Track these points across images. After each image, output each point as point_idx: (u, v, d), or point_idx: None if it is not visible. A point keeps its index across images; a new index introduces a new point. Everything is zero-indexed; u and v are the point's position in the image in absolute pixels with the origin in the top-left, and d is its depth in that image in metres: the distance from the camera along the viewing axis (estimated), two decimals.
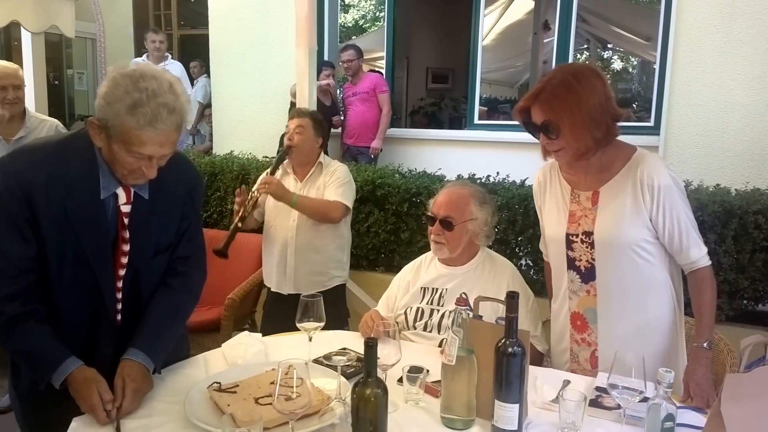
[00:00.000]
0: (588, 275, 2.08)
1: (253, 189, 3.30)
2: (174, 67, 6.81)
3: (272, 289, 3.44)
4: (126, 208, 1.82)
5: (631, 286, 2.03)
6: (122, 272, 1.86)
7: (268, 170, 3.36)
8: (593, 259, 2.05)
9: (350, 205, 3.35)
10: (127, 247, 1.84)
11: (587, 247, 2.06)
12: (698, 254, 2.00)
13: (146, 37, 6.95)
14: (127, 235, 1.83)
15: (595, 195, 2.05)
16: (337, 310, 3.41)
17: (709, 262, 2.03)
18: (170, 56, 6.87)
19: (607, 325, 2.06)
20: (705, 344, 1.98)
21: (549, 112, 1.95)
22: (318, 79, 5.17)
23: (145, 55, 6.86)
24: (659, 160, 2.03)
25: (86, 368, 1.73)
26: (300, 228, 3.30)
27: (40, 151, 1.78)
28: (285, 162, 3.42)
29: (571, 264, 2.11)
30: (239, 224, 3.21)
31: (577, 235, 2.08)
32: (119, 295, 1.88)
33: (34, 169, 1.71)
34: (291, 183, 3.39)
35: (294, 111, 3.55)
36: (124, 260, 1.85)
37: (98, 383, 1.69)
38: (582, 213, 2.08)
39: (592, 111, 1.93)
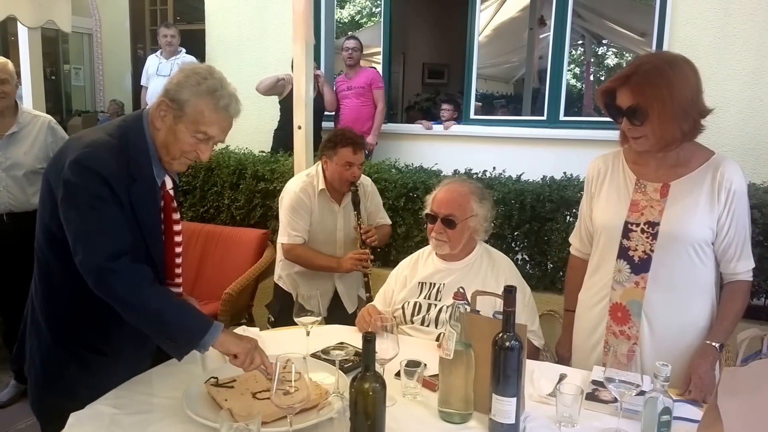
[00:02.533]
0: (641, 266, 2.03)
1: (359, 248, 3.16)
2: (188, 61, 6.61)
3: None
4: (171, 192, 1.98)
5: (681, 284, 2.00)
6: (179, 250, 1.99)
7: (358, 221, 3.19)
8: (651, 251, 2.01)
9: None
10: (178, 227, 1.99)
11: (648, 238, 2.01)
12: (745, 267, 2.00)
13: (158, 32, 6.80)
14: (178, 216, 1.97)
15: (665, 188, 2.02)
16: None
17: (751, 278, 2.03)
18: (183, 50, 6.60)
19: (649, 320, 2.03)
20: (717, 344, 1.97)
21: (639, 97, 1.91)
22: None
23: (158, 51, 6.70)
24: (739, 167, 2.01)
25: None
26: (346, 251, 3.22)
27: (113, 140, 1.81)
28: (321, 188, 3.21)
29: (623, 253, 2.06)
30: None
31: (637, 224, 2.04)
32: (178, 270, 2.01)
33: (110, 159, 1.76)
34: (331, 208, 3.26)
35: (348, 141, 3.20)
36: (179, 239, 1.99)
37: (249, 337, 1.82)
38: (647, 203, 2.04)
39: (683, 102, 1.90)
